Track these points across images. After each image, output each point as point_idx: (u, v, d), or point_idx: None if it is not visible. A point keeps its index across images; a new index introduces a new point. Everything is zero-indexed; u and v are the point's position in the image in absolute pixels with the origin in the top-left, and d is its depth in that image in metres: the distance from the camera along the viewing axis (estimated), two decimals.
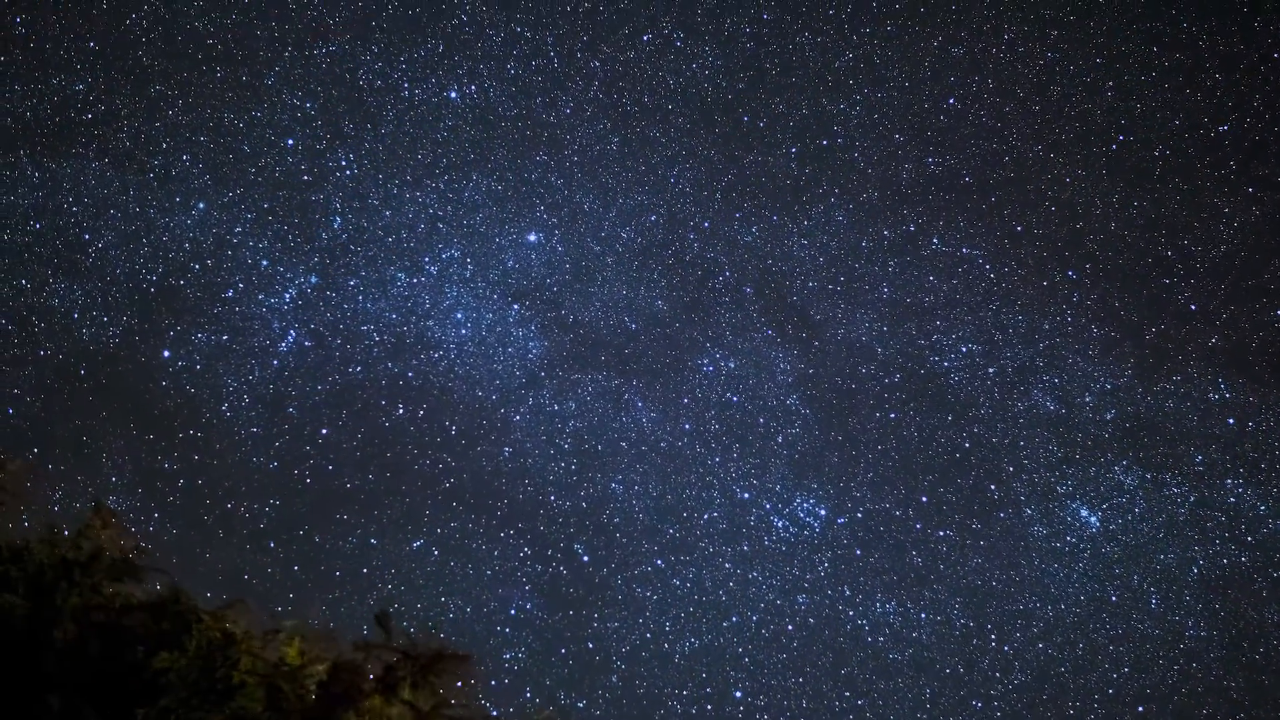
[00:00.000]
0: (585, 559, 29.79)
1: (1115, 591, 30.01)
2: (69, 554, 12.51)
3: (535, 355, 30.36)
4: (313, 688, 13.18)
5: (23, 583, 12.04)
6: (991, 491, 30.31)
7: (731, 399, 30.34)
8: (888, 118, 30.05)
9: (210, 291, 29.08)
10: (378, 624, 14.20)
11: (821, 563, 30.19)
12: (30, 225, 28.53)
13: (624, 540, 29.94)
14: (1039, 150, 30.04)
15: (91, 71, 28.64)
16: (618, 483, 30.06)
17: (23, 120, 28.54)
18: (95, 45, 28.61)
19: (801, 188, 30.25)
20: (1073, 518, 30.35)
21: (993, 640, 29.91)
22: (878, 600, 30.11)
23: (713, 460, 30.25)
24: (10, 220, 28.54)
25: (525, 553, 29.65)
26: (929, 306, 30.41)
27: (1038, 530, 30.30)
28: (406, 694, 13.73)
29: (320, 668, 13.32)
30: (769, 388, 30.52)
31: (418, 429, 29.59)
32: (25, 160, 28.59)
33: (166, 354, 28.88)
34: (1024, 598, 30.14)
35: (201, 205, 29.13)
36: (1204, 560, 29.85)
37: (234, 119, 29.20)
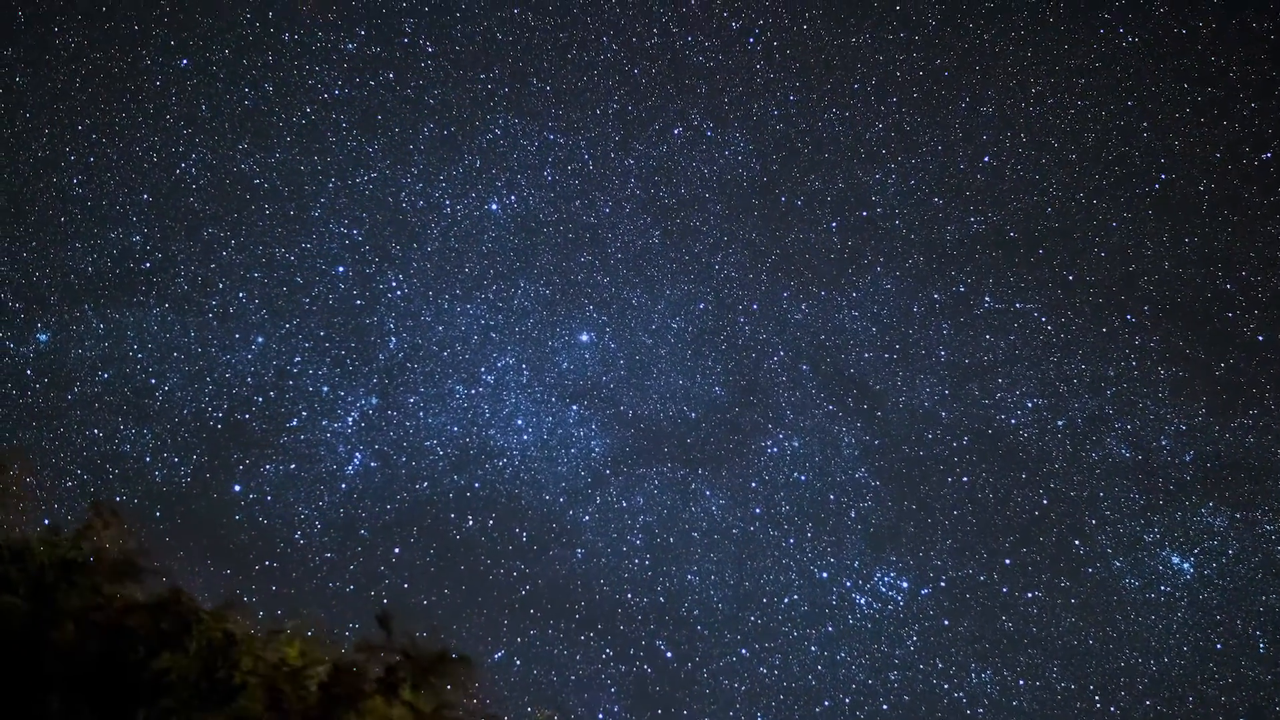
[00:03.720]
0: (669, 655, 29.37)
1: (1220, 639, 28.92)
2: (69, 554, 12.47)
3: (598, 454, 30.40)
4: (314, 688, 13.01)
5: (23, 583, 11.97)
6: (1077, 547, 29.56)
7: (800, 478, 30.06)
8: (925, 182, 30.18)
9: (275, 422, 29.58)
10: (379, 625, 14.08)
11: (910, 637, 29.49)
12: (99, 376, 29.34)
13: (706, 632, 29.51)
14: (1081, 198, 29.92)
15: (147, 222, 29.72)
16: (693, 574, 29.75)
17: (85, 275, 29.58)
18: (149, 197, 29.73)
19: (846, 260, 30.34)
20: (1164, 566, 29.44)
21: (1097, 701, 28.86)
22: (972, 670, 29.28)
23: (787, 542, 29.86)
24: (80, 372, 29.38)
25: (608, 654, 29.31)
26: (989, 365, 30.10)
27: (1130, 582, 29.41)
28: (407, 695, 13.55)
29: (321, 669, 13.18)
30: (836, 463, 30.23)
31: (489, 539, 29.61)
32: (90, 313, 29.54)
33: (237, 488, 29.30)
34: (1124, 654, 29.14)
35: (260, 339, 29.82)
36: None
37: (285, 253, 30.03)
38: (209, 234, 29.73)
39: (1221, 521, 29.27)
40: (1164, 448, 29.67)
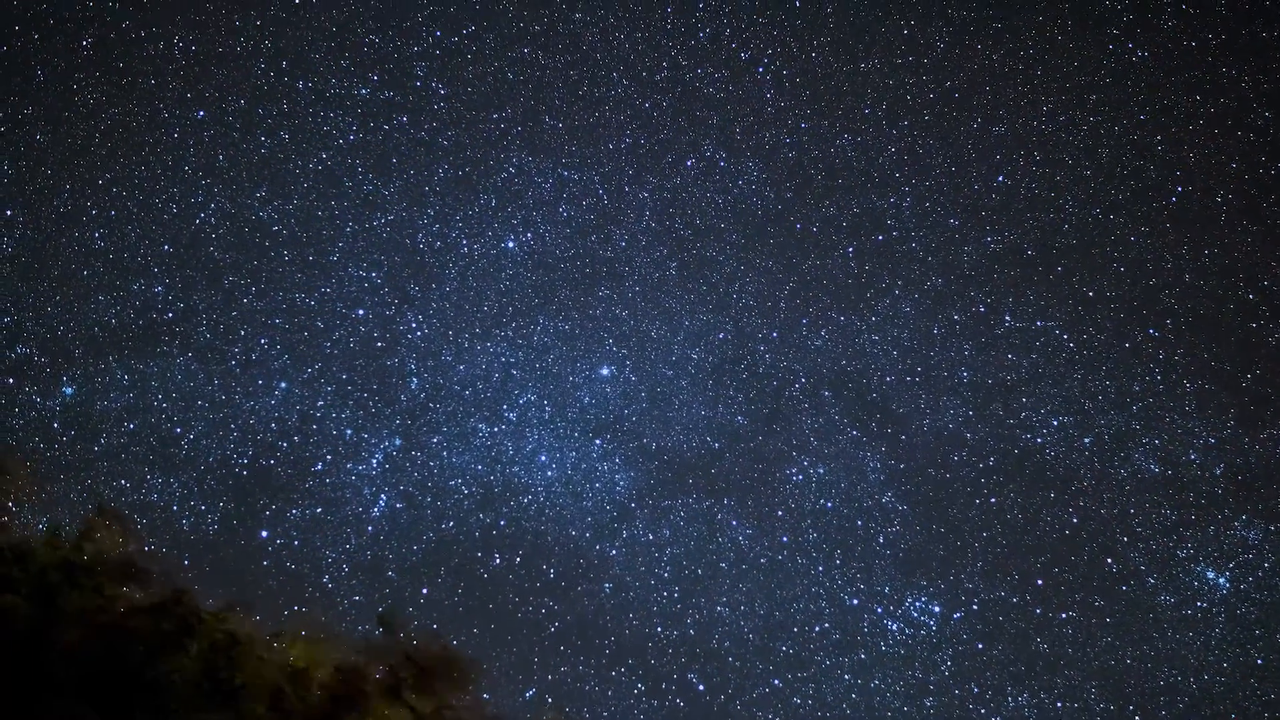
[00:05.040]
0: (701, 688, 29.13)
1: (1260, 654, 28.48)
2: (72, 555, 12.43)
3: (623, 487, 30.31)
4: (316, 690, 12.90)
5: (25, 584, 11.92)
6: (1109, 565, 29.25)
7: (826, 505, 29.90)
8: (940, 204, 30.16)
9: (300, 467, 29.68)
10: (381, 625, 13.99)
11: (944, 662, 29.19)
12: (125, 426, 29.52)
13: (737, 664, 29.28)
14: (1097, 214, 29.83)
15: (168, 273, 30.00)
16: (723, 605, 29.55)
17: (109, 328, 29.83)
18: (169, 248, 30.02)
19: (864, 285, 30.30)
20: (1199, 581, 29.07)
21: None
22: (1009, 694, 28.93)
23: (816, 570, 29.66)
24: (106, 424, 29.57)
25: (639, 689, 29.10)
26: (1012, 384, 29.93)
27: (1165, 600, 29.05)
28: (410, 697, 13.42)
29: (324, 670, 13.07)
30: (862, 488, 30.06)
31: (516, 577, 29.53)
32: (115, 365, 29.77)
33: (264, 534, 29.36)
34: (1163, 672, 28.75)
35: (283, 385, 29.97)
36: None
37: (305, 298, 30.24)
38: (230, 282, 30.01)
39: (1255, 534, 28.95)
40: (1193, 462, 29.42)
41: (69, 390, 29.43)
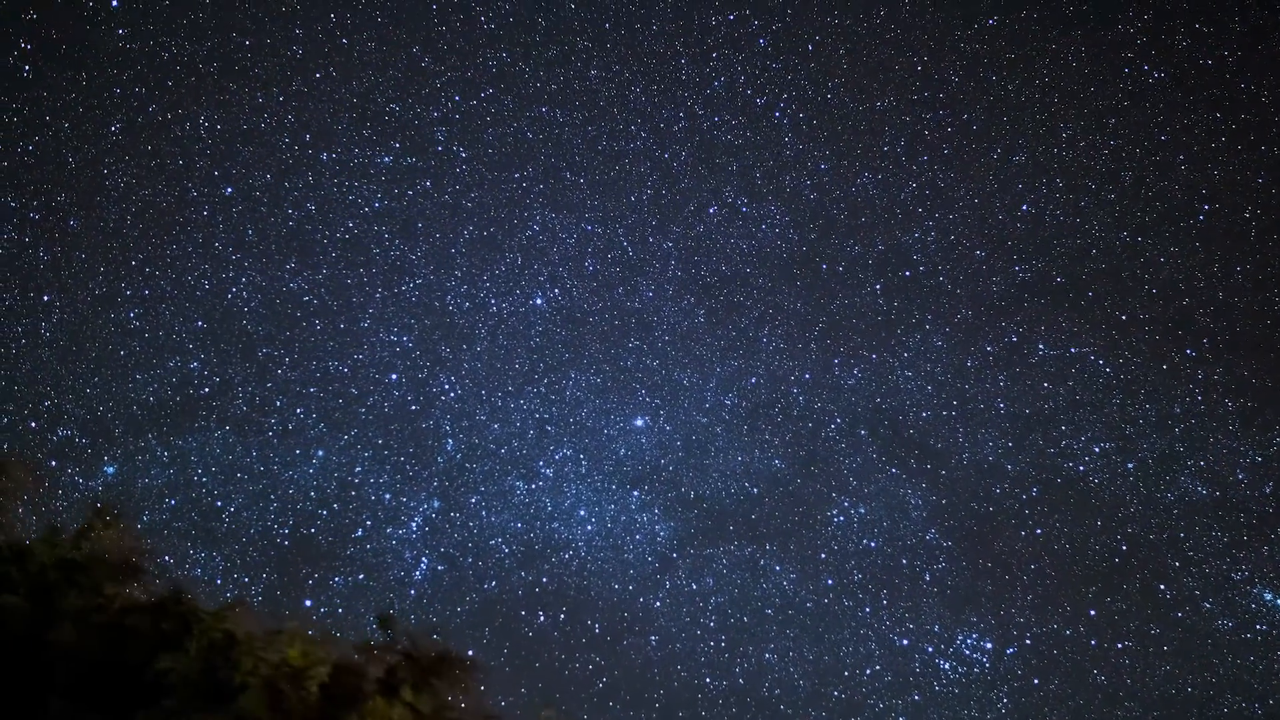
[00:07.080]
0: None
1: None
2: (70, 554, 12.31)
3: (664, 538, 30.17)
4: (314, 689, 12.67)
5: (24, 584, 11.80)
6: (1162, 591, 28.72)
7: (869, 545, 29.61)
8: (965, 236, 30.13)
9: (340, 534, 29.74)
10: (380, 625, 13.81)
11: (1000, 699, 28.68)
12: (167, 502, 29.75)
13: (789, 712, 28.88)
14: (1125, 237, 29.68)
15: (203, 348, 30.35)
16: (771, 652, 29.23)
17: (147, 405, 30.16)
18: (203, 324, 30.41)
19: (894, 322, 30.23)
20: (1257, 604, 28.49)
21: None
22: None
23: (863, 612, 29.31)
24: (148, 501, 29.81)
25: None
26: (1050, 413, 29.66)
27: (1223, 624, 28.46)
28: (408, 696, 13.19)
29: (322, 669, 12.86)
30: (905, 526, 29.76)
31: (561, 633, 29.35)
32: (154, 442, 30.05)
33: (309, 603, 29.39)
34: (1227, 699, 28.11)
35: (320, 453, 30.14)
36: None
37: (338, 365, 30.50)
38: (264, 354, 30.32)
39: None
40: (1241, 481, 28.95)
41: (110, 469, 29.74)
